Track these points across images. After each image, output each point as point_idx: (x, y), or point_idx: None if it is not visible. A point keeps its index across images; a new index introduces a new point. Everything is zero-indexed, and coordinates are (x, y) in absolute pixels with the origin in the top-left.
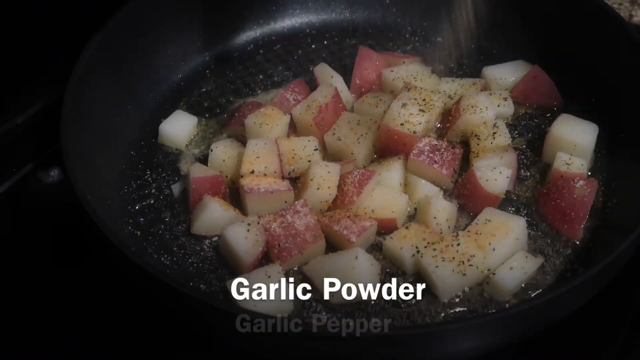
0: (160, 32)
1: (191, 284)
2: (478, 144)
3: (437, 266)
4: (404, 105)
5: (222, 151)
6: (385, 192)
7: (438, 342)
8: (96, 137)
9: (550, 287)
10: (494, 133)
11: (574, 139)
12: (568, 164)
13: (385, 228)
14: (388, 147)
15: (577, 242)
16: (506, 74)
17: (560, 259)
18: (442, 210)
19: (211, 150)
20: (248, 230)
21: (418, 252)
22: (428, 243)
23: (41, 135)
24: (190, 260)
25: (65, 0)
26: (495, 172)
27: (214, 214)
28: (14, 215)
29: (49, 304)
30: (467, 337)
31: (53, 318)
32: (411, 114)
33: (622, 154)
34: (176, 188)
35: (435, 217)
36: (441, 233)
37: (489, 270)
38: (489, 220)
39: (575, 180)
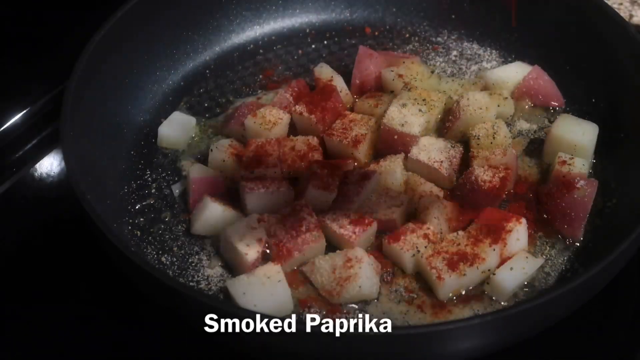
0: (160, 32)
1: (191, 284)
2: (478, 144)
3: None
4: (404, 105)
5: (222, 151)
6: (385, 192)
7: (438, 342)
8: (96, 137)
9: (550, 287)
10: (494, 133)
11: (575, 139)
12: (569, 164)
13: (385, 228)
14: (388, 146)
15: (577, 242)
16: (507, 77)
17: (560, 259)
18: (442, 210)
19: (211, 150)
20: (248, 230)
21: (418, 252)
22: (428, 243)
23: (41, 135)
24: (190, 260)
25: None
26: (495, 172)
27: (214, 214)
28: (13, 215)
29: (48, 303)
30: (467, 337)
31: (53, 318)
32: (411, 114)
33: (622, 154)
34: (176, 188)
35: (435, 217)
36: (441, 233)
37: (489, 270)
38: (489, 221)
39: (576, 181)
